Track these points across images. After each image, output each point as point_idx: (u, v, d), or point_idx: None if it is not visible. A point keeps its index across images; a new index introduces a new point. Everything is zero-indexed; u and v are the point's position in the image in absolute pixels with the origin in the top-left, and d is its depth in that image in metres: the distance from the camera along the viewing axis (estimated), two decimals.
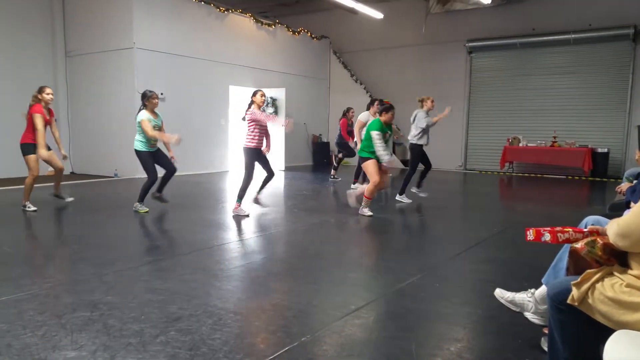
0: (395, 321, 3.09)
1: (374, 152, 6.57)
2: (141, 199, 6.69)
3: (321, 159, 15.77)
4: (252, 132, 6.51)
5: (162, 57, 11.14)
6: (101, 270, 3.98)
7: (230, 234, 5.70)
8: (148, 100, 6.53)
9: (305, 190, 9.47)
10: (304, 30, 15.27)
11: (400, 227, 6.32)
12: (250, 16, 13.38)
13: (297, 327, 2.94)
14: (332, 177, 10.85)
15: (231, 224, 6.25)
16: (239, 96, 13.25)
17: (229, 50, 12.72)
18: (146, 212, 6.61)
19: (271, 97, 13.42)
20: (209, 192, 9.29)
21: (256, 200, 6.97)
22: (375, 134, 6.50)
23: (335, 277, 3.97)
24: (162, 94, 11.04)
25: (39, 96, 6.61)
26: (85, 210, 7.05)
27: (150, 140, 6.57)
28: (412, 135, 7.86)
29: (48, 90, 6.69)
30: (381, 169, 6.67)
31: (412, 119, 7.88)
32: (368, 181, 6.93)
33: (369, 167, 6.62)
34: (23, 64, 10.85)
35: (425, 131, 7.77)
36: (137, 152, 6.62)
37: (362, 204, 6.70)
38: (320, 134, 16.10)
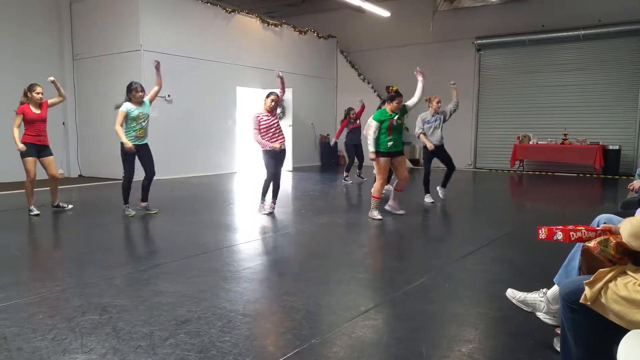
0: (405, 322, 3.06)
1: (385, 148, 6.31)
2: (125, 200, 6.62)
3: (329, 159, 15.74)
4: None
5: (169, 58, 11.15)
6: (110, 273, 3.99)
7: (239, 235, 5.69)
8: (131, 93, 6.41)
9: (312, 190, 9.46)
10: (311, 30, 15.26)
11: (409, 227, 6.27)
12: (257, 17, 13.39)
13: (307, 329, 2.93)
14: (345, 178, 10.77)
15: (239, 225, 6.25)
16: (246, 97, 13.29)
17: (235, 51, 12.74)
18: (132, 215, 6.55)
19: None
20: (217, 193, 9.29)
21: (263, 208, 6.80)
22: (371, 122, 6.29)
23: (344, 278, 3.95)
24: (169, 95, 11.10)
25: (29, 94, 6.55)
26: (94, 213, 7.08)
27: (135, 131, 6.43)
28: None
29: (38, 90, 6.59)
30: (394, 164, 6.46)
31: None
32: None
33: (377, 163, 6.38)
34: (30, 68, 10.90)
35: (436, 129, 7.70)
36: (121, 146, 6.46)
37: (371, 205, 6.44)
38: (327, 134, 16.06)
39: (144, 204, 6.76)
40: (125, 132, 6.44)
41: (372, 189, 6.53)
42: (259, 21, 13.47)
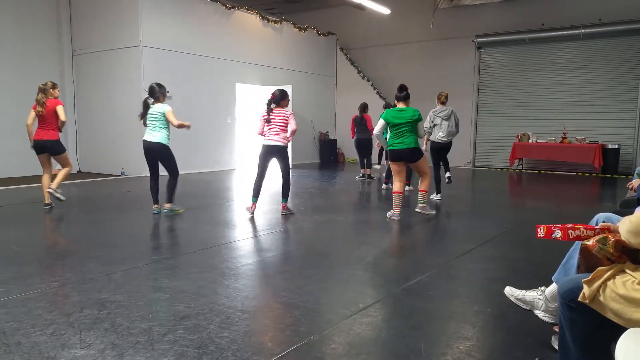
0: (403, 320, 3.07)
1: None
2: (171, 199, 6.47)
3: (328, 156, 15.73)
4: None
5: (169, 54, 11.16)
6: (109, 269, 3.99)
7: (238, 232, 5.69)
8: (164, 94, 6.56)
9: (312, 188, 9.46)
10: (311, 27, 15.24)
11: (408, 225, 6.27)
12: (257, 13, 13.37)
13: (305, 326, 2.93)
14: (364, 175, 10.72)
15: (238, 222, 6.25)
16: (245, 94, 13.28)
17: (235, 48, 12.72)
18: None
19: None
20: (216, 190, 9.29)
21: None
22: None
23: (343, 276, 3.96)
24: (168, 91, 11.06)
25: (52, 91, 6.62)
26: (93, 209, 7.08)
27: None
28: (452, 134, 7.83)
29: (58, 88, 6.79)
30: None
31: (446, 115, 7.71)
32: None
33: (426, 162, 6.57)
34: (30, 63, 10.90)
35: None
36: (168, 147, 6.44)
37: (423, 200, 6.64)
38: (327, 131, 16.07)
39: (169, 205, 6.52)
40: (169, 136, 6.53)
41: (422, 185, 6.60)
42: (258, 17, 13.44)
